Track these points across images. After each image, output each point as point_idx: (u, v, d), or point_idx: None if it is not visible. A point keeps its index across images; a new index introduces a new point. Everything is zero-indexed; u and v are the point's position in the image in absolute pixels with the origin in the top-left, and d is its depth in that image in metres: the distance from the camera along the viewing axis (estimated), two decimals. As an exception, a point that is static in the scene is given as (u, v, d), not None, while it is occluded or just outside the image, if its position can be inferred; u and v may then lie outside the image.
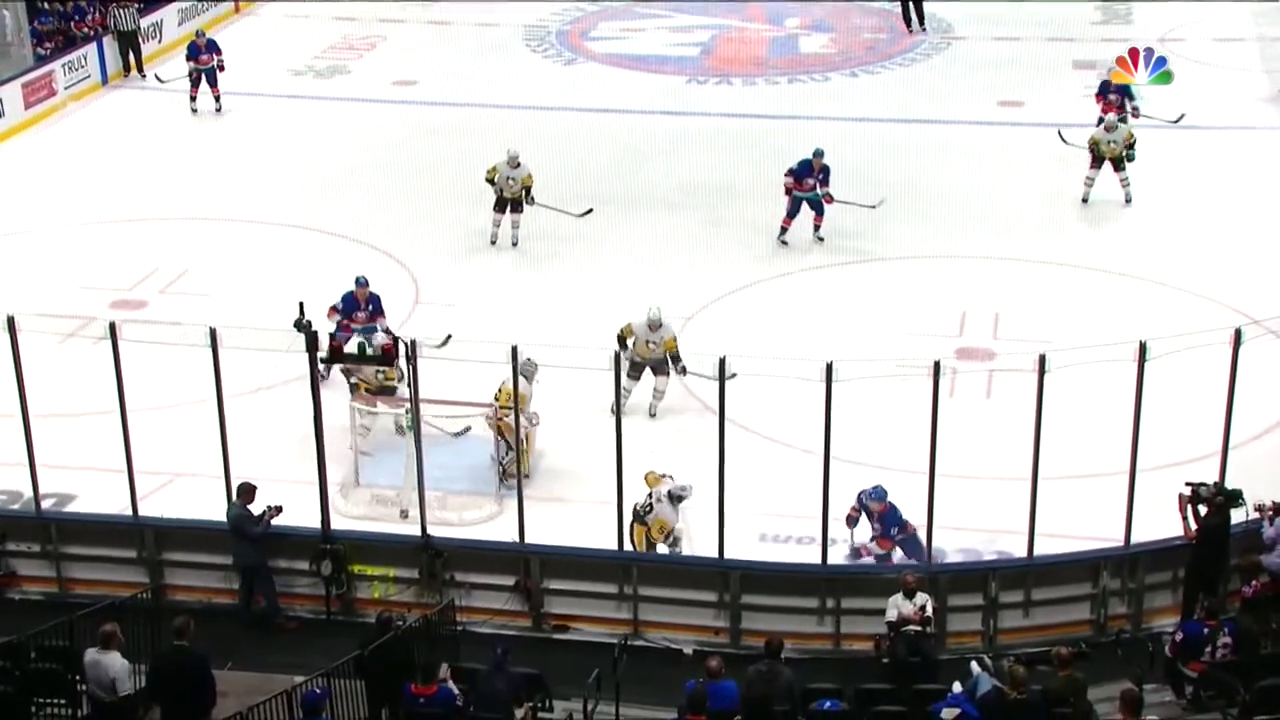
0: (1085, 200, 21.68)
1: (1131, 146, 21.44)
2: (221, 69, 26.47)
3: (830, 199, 20.42)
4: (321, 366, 14.09)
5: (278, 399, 15.93)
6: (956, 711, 10.83)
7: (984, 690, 11.16)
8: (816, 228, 20.73)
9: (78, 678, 11.67)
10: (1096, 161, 21.63)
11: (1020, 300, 18.72)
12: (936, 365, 12.71)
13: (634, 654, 12.88)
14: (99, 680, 11.29)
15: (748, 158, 23.95)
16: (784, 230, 20.71)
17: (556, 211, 20.47)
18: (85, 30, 28.03)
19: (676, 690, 11.30)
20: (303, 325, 13.48)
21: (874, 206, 20.76)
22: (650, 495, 13.89)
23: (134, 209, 22.41)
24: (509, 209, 20.69)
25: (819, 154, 20.43)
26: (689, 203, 22.38)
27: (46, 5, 28.10)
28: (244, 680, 12.05)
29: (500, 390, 14.88)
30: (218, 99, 26.41)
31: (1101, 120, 22.12)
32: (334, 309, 16.71)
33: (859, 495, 13.79)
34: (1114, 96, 23.52)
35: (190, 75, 26.31)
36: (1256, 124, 23.40)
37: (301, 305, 13.72)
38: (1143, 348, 12.64)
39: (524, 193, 20.51)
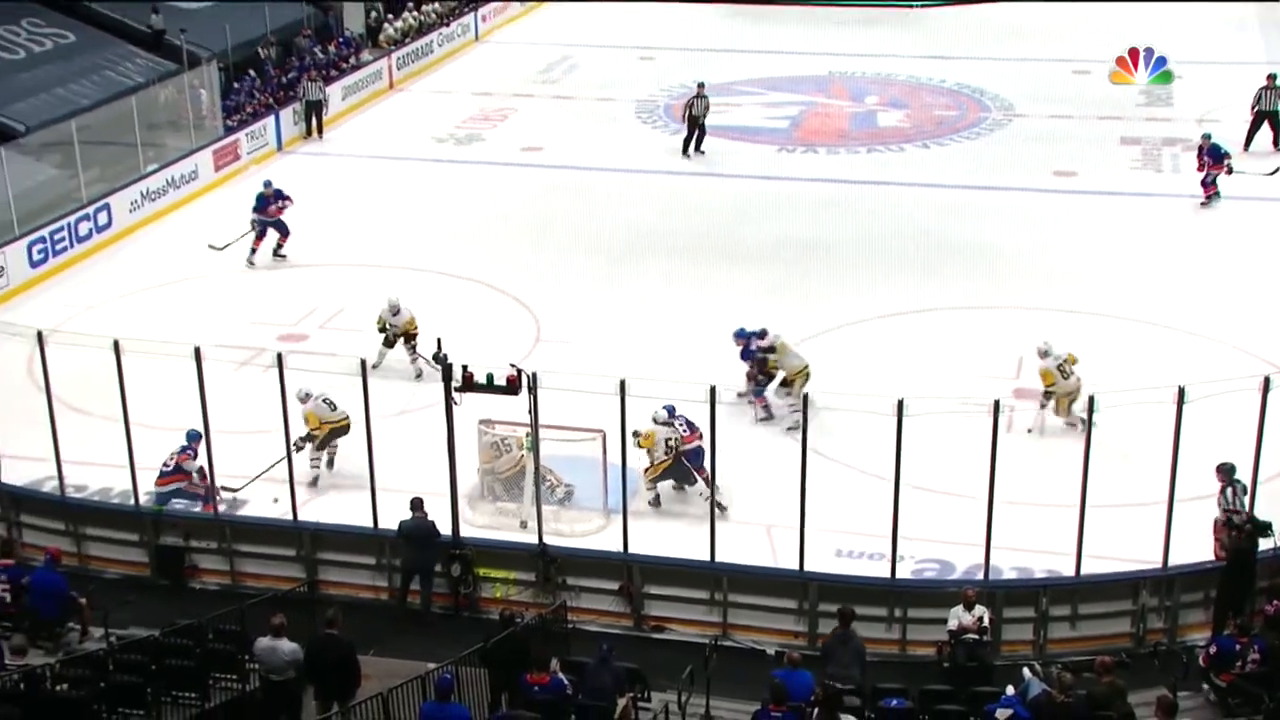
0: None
1: None
2: (285, 234, 22.38)
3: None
4: (455, 394, 14.17)
5: (417, 421, 16.12)
6: (1009, 712, 10.71)
7: (1034, 694, 11.02)
8: None
9: (247, 658, 11.89)
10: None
11: (1071, 347, 18.43)
12: (996, 404, 12.60)
13: (723, 653, 12.82)
14: (271, 664, 11.50)
15: (832, 218, 24.03)
16: None
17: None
18: (257, 107, 28.69)
19: (760, 686, 11.29)
20: (440, 358, 13.63)
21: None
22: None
23: (298, 255, 22.84)
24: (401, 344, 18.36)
25: None
26: (780, 256, 22.36)
27: (236, 84, 28.86)
28: (385, 665, 12.17)
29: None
30: (281, 245, 22.43)
31: None
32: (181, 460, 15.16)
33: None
34: (1208, 158, 23.25)
35: (254, 227, 22.25)
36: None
37: (439, 341, 13.85)
38: (1181, 392, 12.46)
39: (404, 338, 18.27)
